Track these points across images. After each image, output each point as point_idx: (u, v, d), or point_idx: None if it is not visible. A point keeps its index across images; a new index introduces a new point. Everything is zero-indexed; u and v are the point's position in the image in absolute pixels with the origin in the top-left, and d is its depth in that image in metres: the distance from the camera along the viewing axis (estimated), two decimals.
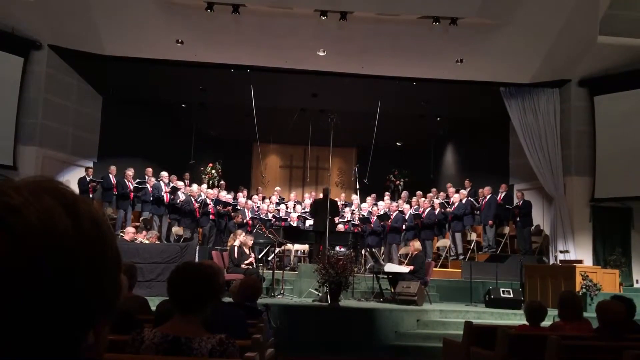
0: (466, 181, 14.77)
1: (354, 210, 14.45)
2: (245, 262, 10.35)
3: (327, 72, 12.73)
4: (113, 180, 13.09)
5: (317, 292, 9.57)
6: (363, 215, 14.05)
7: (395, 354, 8.07)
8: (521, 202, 13.05)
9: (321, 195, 12.35)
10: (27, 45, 12.11)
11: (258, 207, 14.53)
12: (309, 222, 13.29)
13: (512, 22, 11.31)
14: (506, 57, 12.04)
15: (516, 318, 8.62)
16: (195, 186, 13.92)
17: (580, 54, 12.14)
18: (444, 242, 14.15)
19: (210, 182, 16.74)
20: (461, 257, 13.48)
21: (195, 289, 2.34)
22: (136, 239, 10.55)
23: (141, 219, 13.48)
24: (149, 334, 2.33)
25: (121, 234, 10.81)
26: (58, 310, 0.60)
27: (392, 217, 13.81)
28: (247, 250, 10.53)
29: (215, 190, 14.48)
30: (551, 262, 12.35)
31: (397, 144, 18.15)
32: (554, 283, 10.26)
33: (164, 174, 13.64)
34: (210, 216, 13.53)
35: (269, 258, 11.27)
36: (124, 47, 12.09)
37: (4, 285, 0.57)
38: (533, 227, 13.32)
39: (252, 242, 10.81)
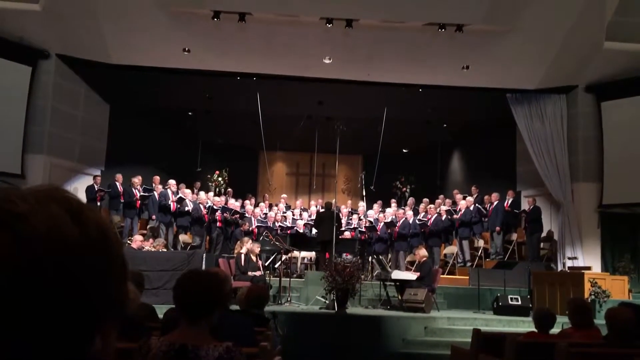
0: (473, 187, 14.73)
1: (360, 217, 14.42)
2: (256, 273, 10.25)
3: (333, 79, 12.76)
4: (120, 188, 13.15)
5: (324, 300, 9.55)
6: (370, 221, 14.03)
7: None
8: (531, 207, 12.99)
9: (322, 210, 12.35)
10: (35, 55, 12.21)
11: (265, 214, 14.54)
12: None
13: (518, 29, 11.30)
14: (512, 63, 12.03)
15: (524, 325, 8.56)
16: (202, 194, 13.95)
17: (587, 59, 12.11)
18: (451, 249, 14.10)
19: (217, 189, 16.77)
20: (468, 264, 13.42)
21: (201, 296, 2.34)
22: (144, 247, 10.57)
23: (148, 226, 13.52)
24: (156, 342, 2.33)
25: (129, 241, 10.83)
26: (64, 317, 0.60)
27: (399, 224, 13.78)
28: (254, 258, 10.51)
29: (223, 198, 14.51)
30: (559, 268, 12.28)
31: (404, 150, 18.14)
32: (562, 290, 10.19)
33: (172, 182, 13.68)
34: (218, 224, 13.56)
35: (276, 265, 11.26)
36: (131, 56, 12.17)
37: (10, 291, 0.58)
38: (544, 234, 13.25)
39: (259, 249, 10.80)
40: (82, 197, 12.71)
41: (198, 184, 15.27)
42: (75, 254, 0.61)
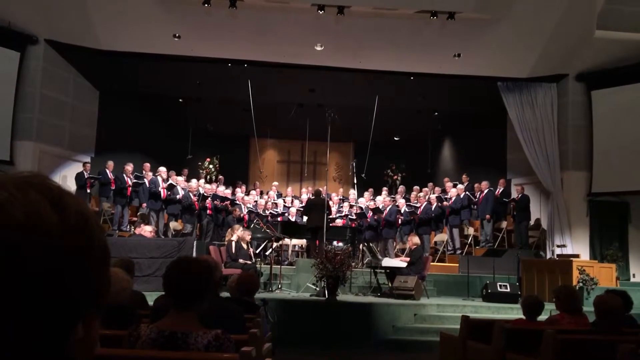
0: (463, 176, 14.79)
1: (351, 204, 14.43)
2: (248, 261, 10.24)
3: (325, 67, 12.71)
4: (110, 175, 13.09)
5: (314, 287, 9.57)
6: (360, 208, 14.04)
7: (393, 349, 8.09)
8: (519, 196, 13.06)
9: (312, 197, 12.35)
10: (23, 40, 12.07)
11: (255, 202, 14.52)
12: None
13: (509, 17, 11.30)
14: (503, 51, 12.03)
15: (513, 312, 8.63)
16: (193, 181, 13.90)
17: (578, 48, 12.13)
18: (441, 237, 14.16)
19: (208, 177, 16.72)
20: (458, 251, 13.50)
21: (191, 284, 2.33)
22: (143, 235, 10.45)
23: (138, 213, 13.49)
24: (145, 330, 2.33)
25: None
26: (44, 305, 0.59)
27: (386, 211, 13.78)
28: (244, 245, 10.50)
29: (214, 185, 14.47)
30: (548, 256, 12.38)
31: (395, 138, 18.14)
32: (550, 277, 10.27)
33: (162, 169, 13.62)
34: (208, 211, 13.54)
35: (267, 253, 11.26)
36: (120, 42, 12.06)
37: None
38: (532, 222, 13.34)
39: (250, 237, 10.79)
40: (72, 184, 12.64)
41: (186, 171, 15.21)
42: (55, 242, 0.60)
